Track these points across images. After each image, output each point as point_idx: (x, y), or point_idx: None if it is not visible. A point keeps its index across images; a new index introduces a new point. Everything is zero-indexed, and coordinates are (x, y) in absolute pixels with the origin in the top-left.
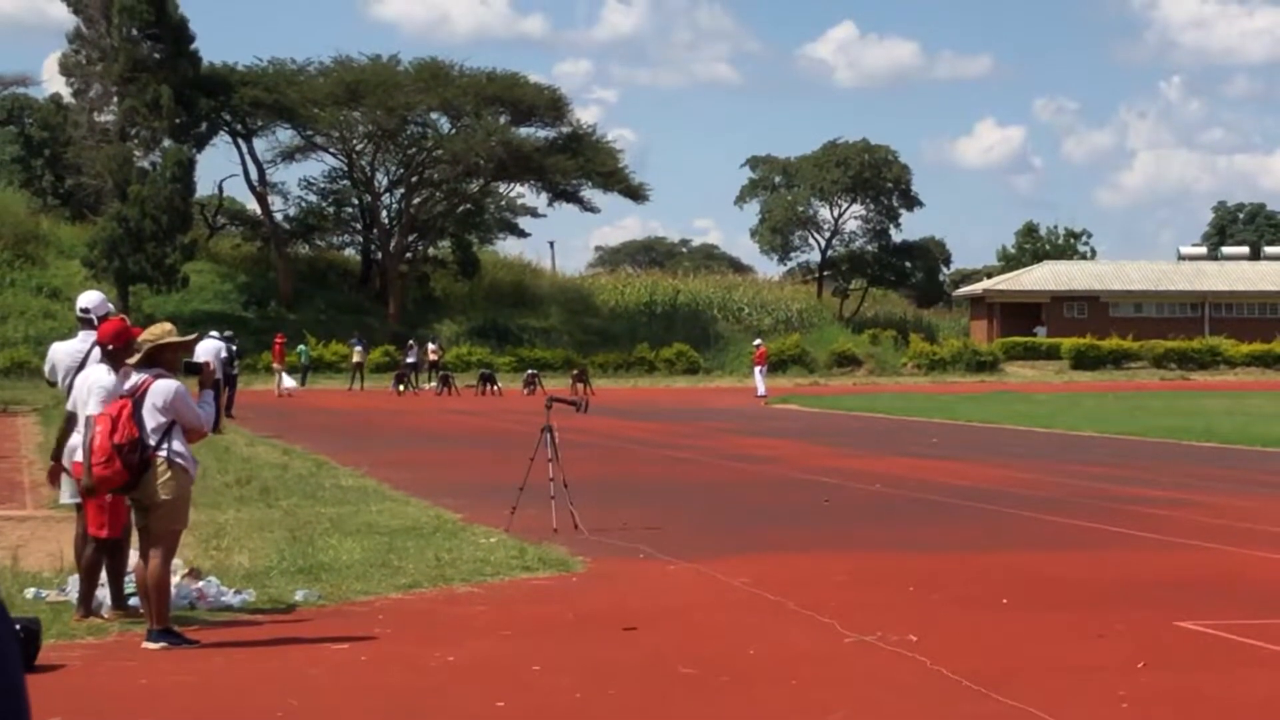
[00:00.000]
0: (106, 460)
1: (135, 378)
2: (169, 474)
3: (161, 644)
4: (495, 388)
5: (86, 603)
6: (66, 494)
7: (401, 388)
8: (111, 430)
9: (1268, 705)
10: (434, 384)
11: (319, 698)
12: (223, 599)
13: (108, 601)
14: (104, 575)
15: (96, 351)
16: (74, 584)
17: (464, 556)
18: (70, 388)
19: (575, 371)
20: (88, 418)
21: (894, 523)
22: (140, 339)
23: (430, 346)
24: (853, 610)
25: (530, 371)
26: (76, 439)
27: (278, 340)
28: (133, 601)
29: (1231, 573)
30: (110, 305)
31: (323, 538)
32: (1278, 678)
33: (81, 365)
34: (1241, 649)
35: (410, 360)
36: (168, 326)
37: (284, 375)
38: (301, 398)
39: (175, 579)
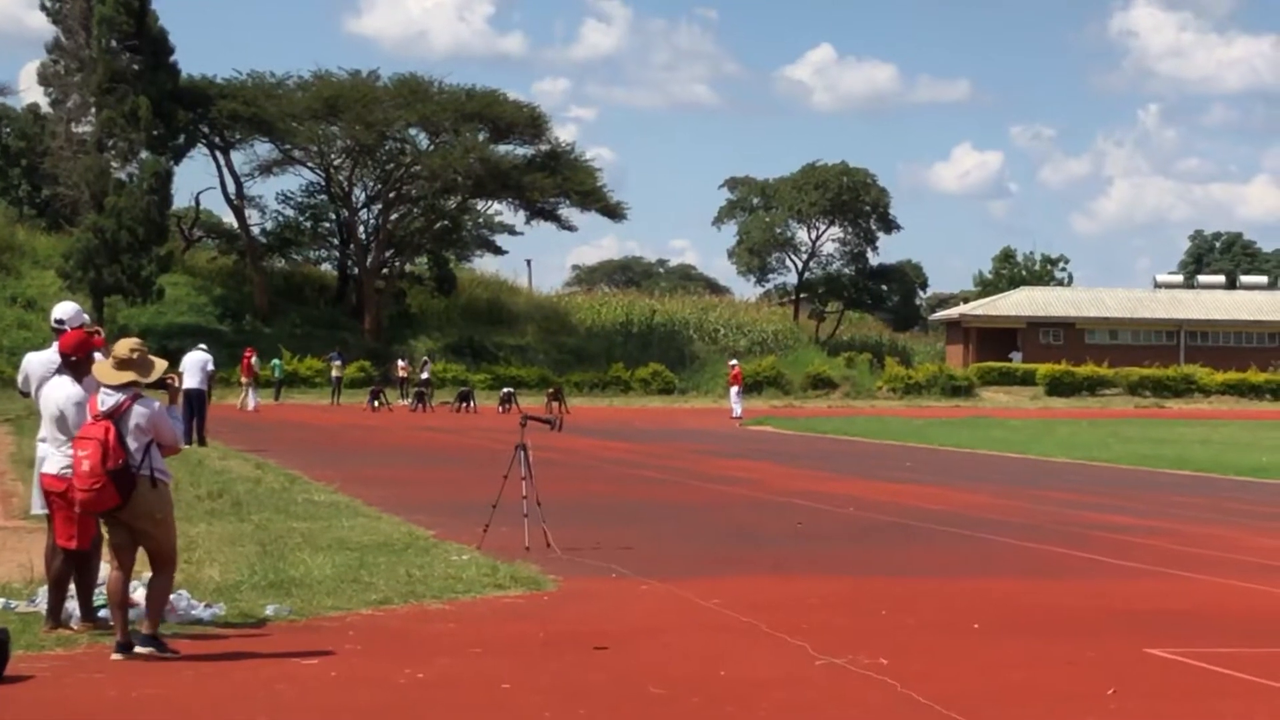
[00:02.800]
0: (100, 486)
1: (113, 398)
2: (155, 491)
3: (150, 649)
4: (471, 405)
5: (55, 614)
6: (37, 504)
7: (376, 404)
8: (104, 456)
9: None
10: (408, 400)
11: (288, 714)
12: (193, 613)
13: (77, 613)
14: (73, 587)
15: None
16: (43, 595)
17: (435, 573)
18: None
19: (551, 390)
20: (54, 431)
21: (867, 546)
22: (115, 354)
23: (400, 364)
24: (824, 633)
25: (506, 390)
26: (44, 449)
27: (246, 355)
28: (102, 614)
29: (1203, 601)
30: (85, 316)
31: (294, 553)
32: (1247, 707)
33: (55, 375)
34: (1212, 677)
35: (425, 376)
36: (135, 343)
37: (250, 392)
38: (276, 412)
39: (143, 591)
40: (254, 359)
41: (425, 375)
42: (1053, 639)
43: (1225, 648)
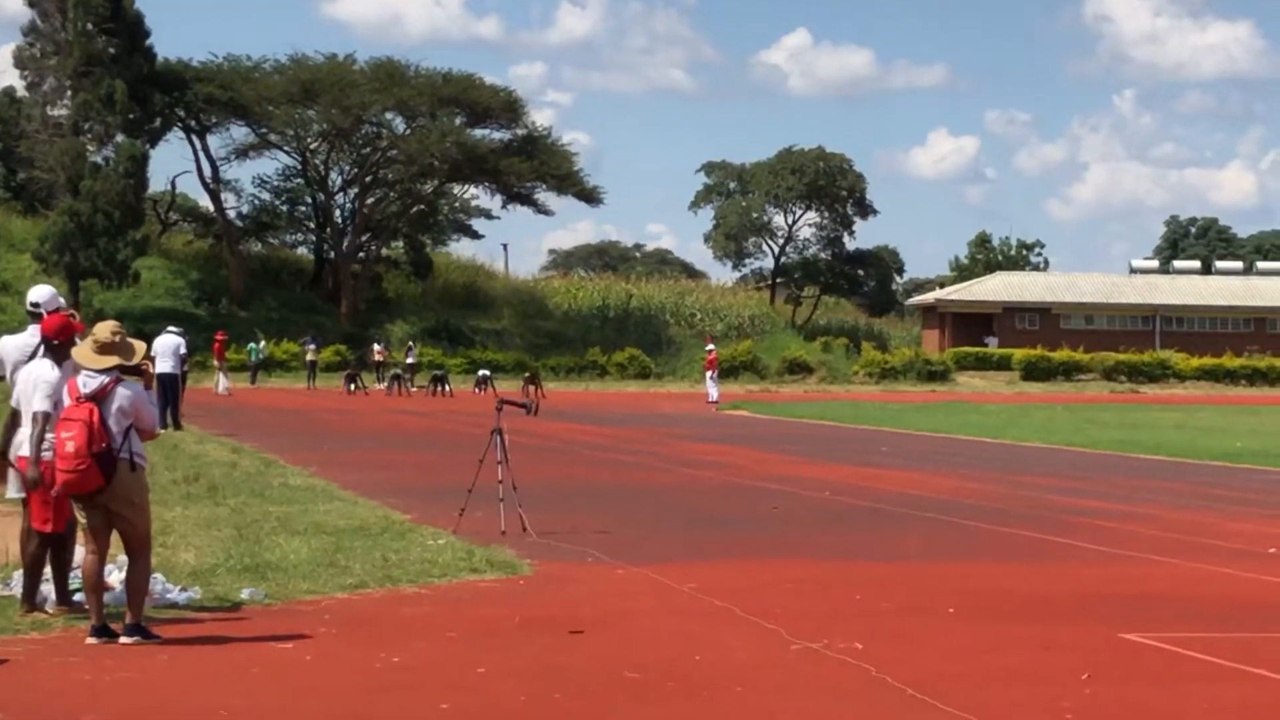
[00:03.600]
0: (85, 468)
1: (96, 380)
2: (134, 475)
3: (135, 638)
4: (446, 389)
5: (30, 598)
6: (13, 488)
7: (352, 387)
8: (89, 439)
9: (1212, 718)
10: (384, 384)
11: (262, 697)
12: (168, 596)
13: (52, 597)
14: (49, 570)
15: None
16: (18, 579)
17: (411, 558)
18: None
19: (527, 374)
20: (34, 413)
21: (842, 531)
22: (96, 337)
23: (376, 348)
24: (799, 617)
25: (483, 372)
26: (22, 434)
27: (218, 338)
28: (77, 597)
29: (1179, 586)
30: (61, 300)
31: (270, 536)
32: (1223, 691)
33: (31, 359)
34: (1187, 662)
35: (410, 360)
36: (114, 325)
37: (221, 376)
38: (252, 396)
39: (118, 575)
40: (224, 341)
41: (411, 360)
42: (1027, 623)
43: (1200, 633)
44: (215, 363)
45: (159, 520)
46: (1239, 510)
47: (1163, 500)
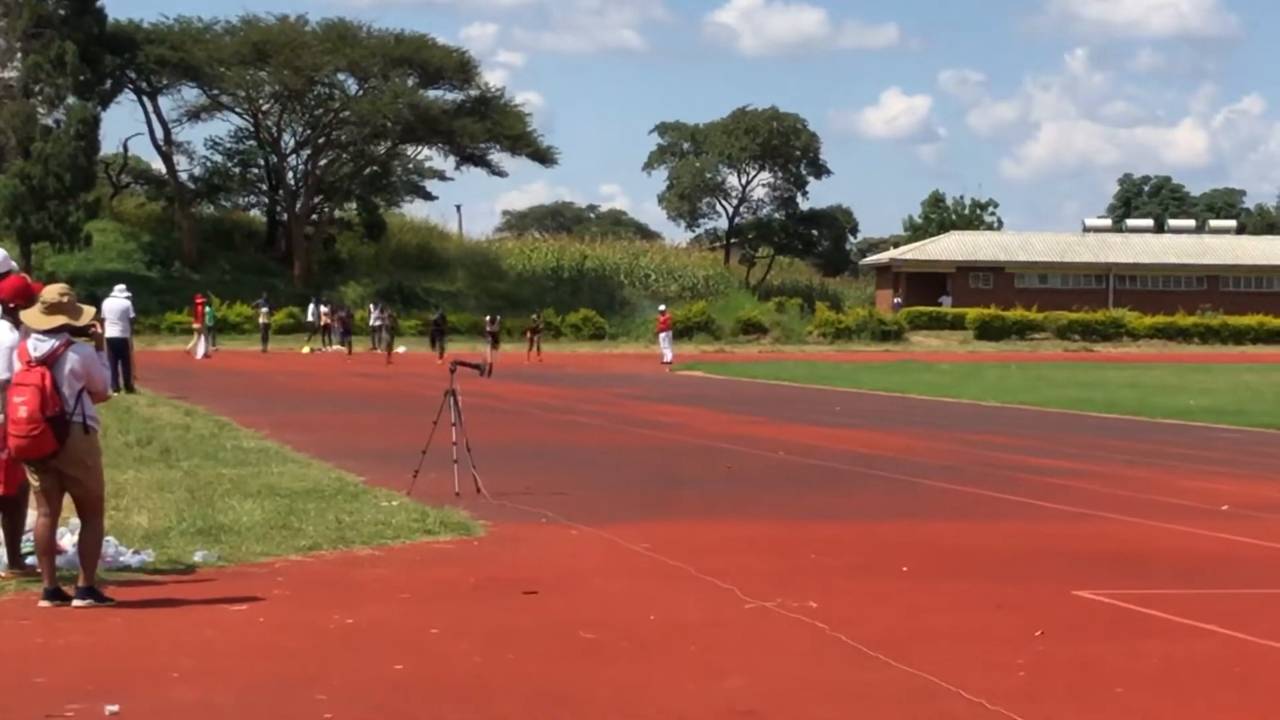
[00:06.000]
0: (39, 432)
1: (47, 344)
2: (87, 438)
3: (88, 601)
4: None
5: None
6: None
7: (307, 349)
8: (42, 403)
9: (1164, 675)
10: (337, 346)
11: (216, 659)
12: (121, 559)
13: (4, 560)
14: (0, 534)
15: None
16: None
17: (365, 519)
18: None
19: (531, 327)
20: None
21: (796, 490)
22: (44, 299)
23: (322, 309)
24: (753, 577)
25: (436, 319)
26: None
27: (198, 301)
28: (30, 560)
29: (1131, 543)
30: (13, 263)
31: (223, 499)
32: (1175, 648)
33: None
34: (1139, 619)
35: (375, 323)
36: (63, 287)
37: (201, 339)
38: (205, 359)
39: (70, 538)
40: (204, 304)
41: (376, 321)
42: (981, 581)
43: (1151, 589)
44: (195, 325)
45: (112, 483)
46: (1191, 468)
47: (1115, 458)
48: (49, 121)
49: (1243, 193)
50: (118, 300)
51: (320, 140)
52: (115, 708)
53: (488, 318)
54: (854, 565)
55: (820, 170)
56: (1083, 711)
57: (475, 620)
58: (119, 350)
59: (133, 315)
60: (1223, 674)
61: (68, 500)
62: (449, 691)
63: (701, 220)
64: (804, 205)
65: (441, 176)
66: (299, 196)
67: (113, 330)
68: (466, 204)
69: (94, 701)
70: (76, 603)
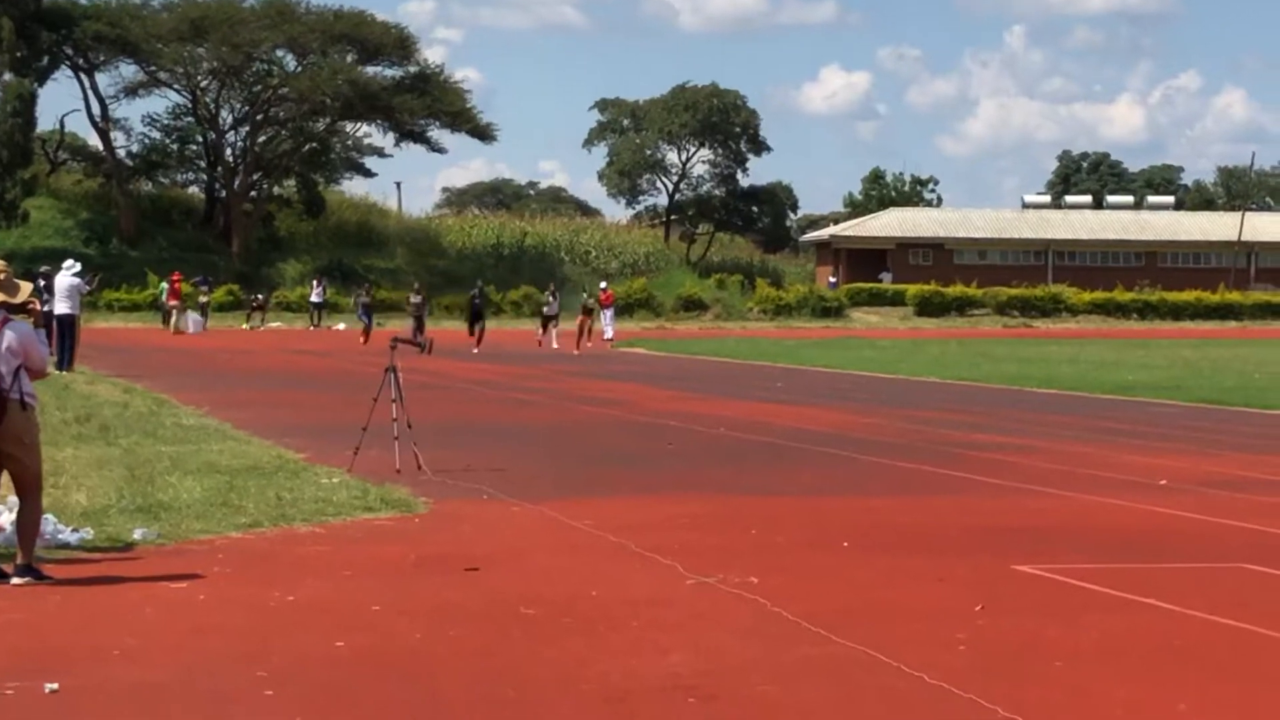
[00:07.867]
0: None
1: None
2: (25, 415)
3: (27, 579)
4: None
5: None
6: None
7: (248, 325)
8: None
9: (1104, 648)
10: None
11: (156, 637)
12: (59, 537)
13: None
14: None
15: None
16: None
17: (305, 496)
18: None
19: (583, 307)
20: None
21: (737, 466)
22: None
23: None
24: (694, 553)
25: (473, 296)
26: None
27: (175, 279)
28: None
29: (1071, 518)
30: None
31: (162, 476)
32: (1115, 621)
33: None
34: (1079, 593)
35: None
36: (0, 264)
37: (189, 314)
38: (143, 336)
39: (8, 516)
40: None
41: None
42: (922, 556)
43: (1090, 563)
44: (171, 303)
45: (50, 461)
46: (1130, 443)
47: (1055, 433)
48: None
49: (1180, 169)
50: (69, 278)
51: (259, 117)
52: (55, 685)
53: (410, 295)
54: (795, 541)
55: (760, 147)
56: (1023, 685)
57: (417, 597)
58: (64, 327)
59: (87, 289)
60: (1162, 647)
61: (6, 478)
62: (390, 668)
63: (642, 197)
64: (744, 182)
65: (381, 153)
66: (237, 173)
67: (62, 307)
68: (406, 181)
69: (33, 679)
70: (15, 580)
